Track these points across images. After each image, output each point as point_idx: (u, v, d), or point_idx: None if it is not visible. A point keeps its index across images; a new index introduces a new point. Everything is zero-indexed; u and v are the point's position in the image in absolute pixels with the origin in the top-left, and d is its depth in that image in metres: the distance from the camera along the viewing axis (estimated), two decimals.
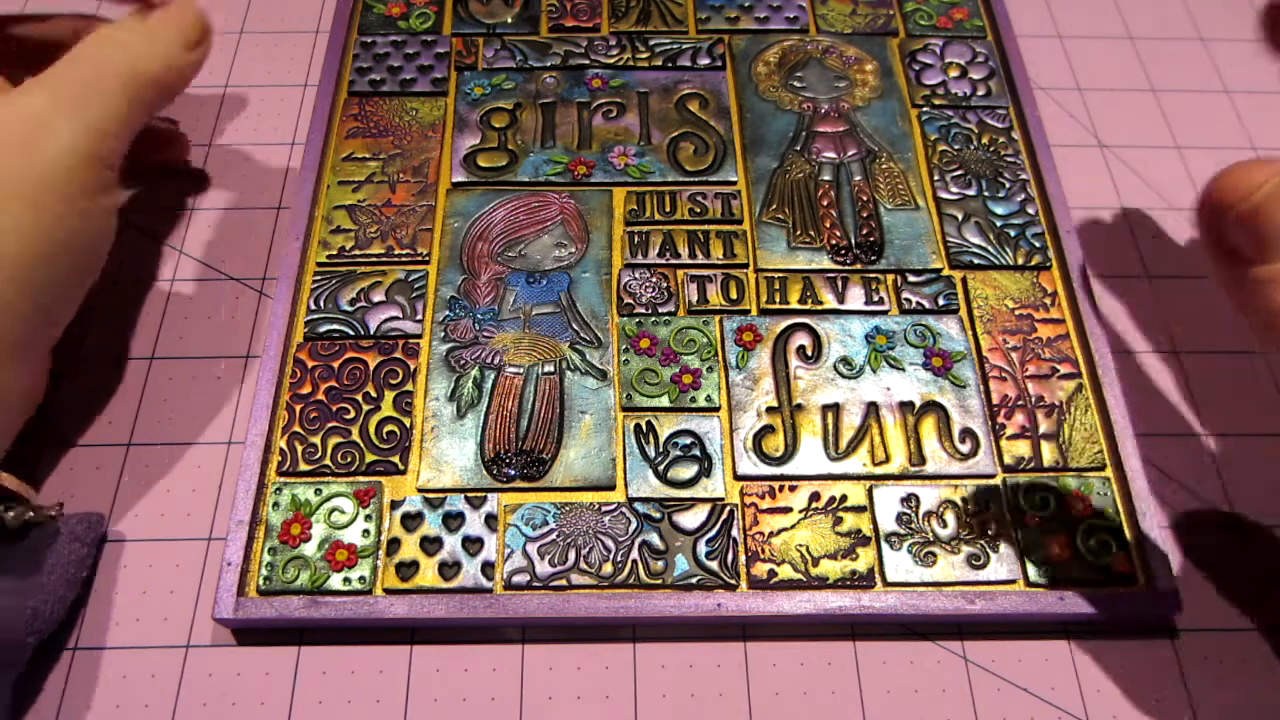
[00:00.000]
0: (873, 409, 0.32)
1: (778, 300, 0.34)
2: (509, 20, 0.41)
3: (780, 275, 0.34)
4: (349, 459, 0.30)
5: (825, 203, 0.36)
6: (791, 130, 0.38)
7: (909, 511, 0.30)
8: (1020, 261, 0.35)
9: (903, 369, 0.33)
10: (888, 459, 0.31)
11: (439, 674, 0.28)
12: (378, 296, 0.34)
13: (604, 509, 0.30)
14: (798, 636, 0.29)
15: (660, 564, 0.29)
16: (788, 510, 0.30)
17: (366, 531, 0.29)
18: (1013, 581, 0.29)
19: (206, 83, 0.40)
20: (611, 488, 0.30)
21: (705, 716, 0.28)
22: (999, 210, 0.36)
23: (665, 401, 0.32)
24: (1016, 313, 0.34)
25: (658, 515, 0.30)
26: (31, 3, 0.43)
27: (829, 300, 0.34)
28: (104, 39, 0.29)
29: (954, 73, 0.40)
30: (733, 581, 0.29)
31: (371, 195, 0.36)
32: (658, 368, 0.32)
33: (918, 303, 0.34)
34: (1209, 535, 0.31)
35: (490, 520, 0.29)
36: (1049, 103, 0.41)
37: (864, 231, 0.36)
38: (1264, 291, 0.21)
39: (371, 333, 0.33)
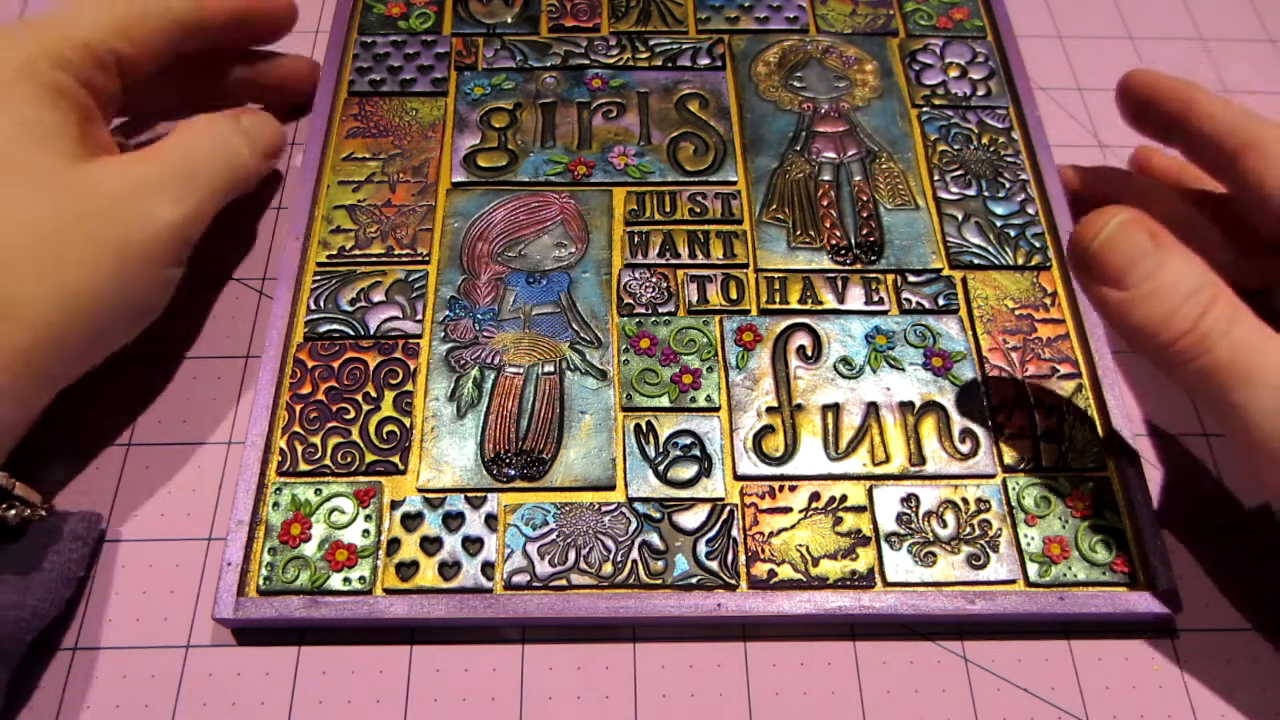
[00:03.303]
0: (873, 409, 0.32)
1: (778, 300, 0.34)
2: (509, 20, 0.41)
3: (780, 275, 0.34)
4: (349, 459, 0.30)
5: (825, 203, 0.36)
6: (791, 130, 0.38)
7: (909, 511, 0.30)
8: (1020, 261, 0.35)
9: (903, 369, 0.33)
10: (888, 459, 0.31)
11: (439, 674, 0.28)
12: (378, 296, 0.34)
13: (604, 509, 0.30)
14: (798, 636, 0.29)
15: (660, 564, 0.29)
16: (788, 510, 0.30)
17: (366, 531, 0.29)
18: (1013, 581, 0.29)
19: None
20: (611, 488, 0.30)
21: (705, 716, 0.28)
22: (999, 210, 0.36)
23: (665, 401, 0.32)
24: (1016, 313, 0.34)
25: (658, 515, 0.30)
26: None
27: (829, 300, 0.34)
28: (212, 127, 0.32)
29: (954, 73, 0.40)
30: (733, 581, 0.29)
31: (371, 195, 0.36)
32: (658, 368, 0.32)
33: (918, 303, 0.34)
34: (1209, 535, 0.31)
35: (490, 520, 0.30)
36: (1049, 103, 0.41)
37: (864, 231, 0.36)
38: (1121, 311, 0.26)
39: (371, 333, 0.33)
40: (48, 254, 0.27)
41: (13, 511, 0.27)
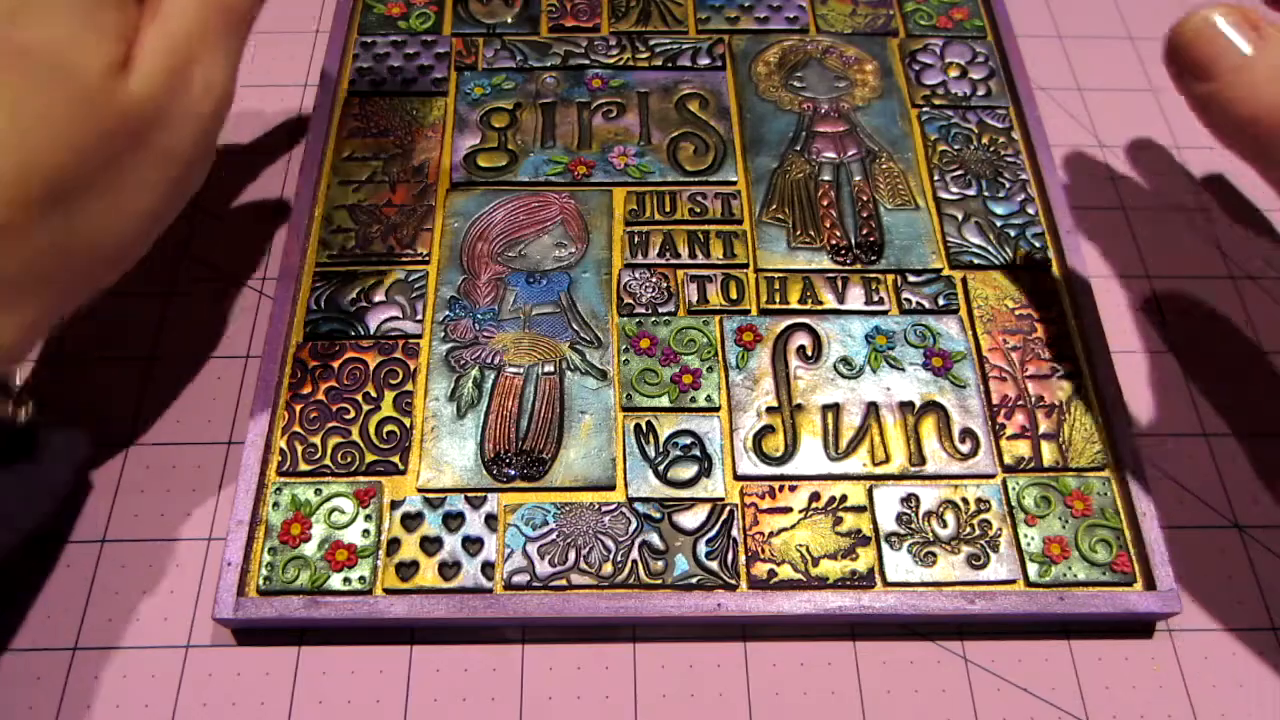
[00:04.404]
0: (873, 409, 0.32)
1: (778, 300, 0.34)
2: (509, 20, 0.41)
3: (780, 275, 0.34)
4: (349, 459, 0.30)
5: (825, 203, 0.36)
6: (791, 130, 0.38)
7: (909, 511, 0.30)
8: (1020, 261, 0.35)
9: (903, 369, 0.33)
10: (888, 459, 0.31)
11: (439, 674, 0.28)
12: (378, 296, 0.34)
13: (604, 509, 0.30)
14: (798, 636, 0.29)
15: (660, 564, 0.29)
16: (788, 510, 0.30)
17: (366, 531, 0.29)
18: (1013, 581, 0.29)
19: None
20: (611, 488, 0.30)
21: (705, 716, 0.28)
22: (999, 210, 0.36)
23: (665, 401, 0.32)
24: (1016, 313, 0.34)
25: (658, 515, 0.30)
26: None
27: (829, 300, 0.34)
28: None
29: (954, 73, 0.40)
30: (733, 581, 0.29)
31: (371, 195, 0.36)
32: (658, 368, 0.32)
33: (918, 303, 0.34)
34: (1209, 535, 0.31)
35: (490, 520, 0.29)
36: (1049, 103, 0.41)
37: (864, 231, 0.36)
38: (1213, 104, 0.24)
39: (371, 333, 0.33)
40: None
41: (22, 410, 0.26)
